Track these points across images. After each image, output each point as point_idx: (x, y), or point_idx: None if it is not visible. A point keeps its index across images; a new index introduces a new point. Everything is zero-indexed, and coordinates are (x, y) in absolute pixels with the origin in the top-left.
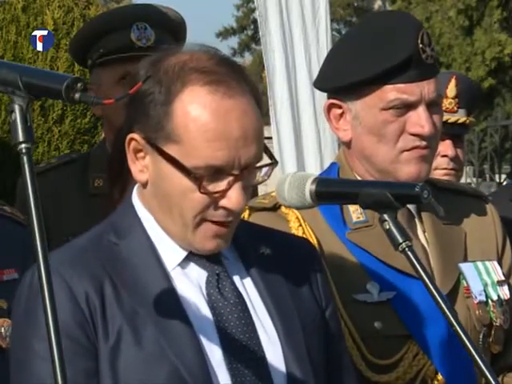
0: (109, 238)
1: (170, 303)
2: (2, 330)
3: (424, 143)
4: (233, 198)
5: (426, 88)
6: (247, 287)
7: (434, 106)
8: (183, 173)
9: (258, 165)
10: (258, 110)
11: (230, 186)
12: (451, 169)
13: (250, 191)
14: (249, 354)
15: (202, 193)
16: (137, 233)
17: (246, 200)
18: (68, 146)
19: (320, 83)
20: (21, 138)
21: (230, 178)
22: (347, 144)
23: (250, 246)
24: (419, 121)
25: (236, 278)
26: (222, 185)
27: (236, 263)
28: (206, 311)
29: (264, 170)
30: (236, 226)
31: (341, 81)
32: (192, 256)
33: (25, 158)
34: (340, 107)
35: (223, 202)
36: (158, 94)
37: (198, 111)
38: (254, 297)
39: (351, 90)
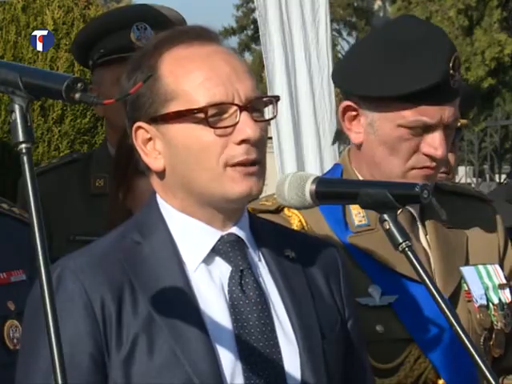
0: (132, 238)
1: (187, 307)
2: (10, 332)
3: (434, 164)
4: (245, 128)
5: (447, 112)
6: (269, 288)
7: (449, 128)
8: (191, 116)
9: (260, 97)
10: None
11: (238, 118)
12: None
13: (266, 136)
14: (265, 357)
15: (215, 132)
16: (160, 231)
17: (263, 133)
18: (68, 146)
19: (340, 82)
20: (21, 137)
21: (237, 111)
22: (357, 146)
23: (275, 247)
24: (434, 143)
25: (259, 277)
26: (231, 120)
27: (259, 263)
28: (224, 313)
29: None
30: (261, 221)
31: (363, 90)
32: (219, 248)
33: (25, 158)
34: (355, 110)
35: (238, 136)
36: (141, 74)
37: (181, 63)
38: (274, 298)
39: (372, 101)
